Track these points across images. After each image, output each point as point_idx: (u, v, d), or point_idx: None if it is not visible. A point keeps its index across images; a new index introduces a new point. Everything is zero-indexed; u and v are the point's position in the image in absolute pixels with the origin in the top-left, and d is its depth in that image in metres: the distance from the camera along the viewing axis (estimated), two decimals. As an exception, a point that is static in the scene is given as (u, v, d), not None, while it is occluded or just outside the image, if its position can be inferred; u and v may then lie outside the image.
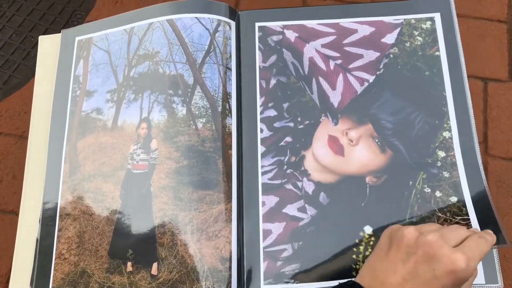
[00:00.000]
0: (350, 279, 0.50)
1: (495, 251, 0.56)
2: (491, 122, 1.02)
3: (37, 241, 0.62)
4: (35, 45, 1.20)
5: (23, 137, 1.11)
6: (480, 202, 0.56)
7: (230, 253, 0.56)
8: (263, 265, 0.56)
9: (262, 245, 0.57)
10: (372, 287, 0.46)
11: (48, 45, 0.72)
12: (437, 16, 0.64)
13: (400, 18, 0.66)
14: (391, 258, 0.47)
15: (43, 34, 1.17)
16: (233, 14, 0.67)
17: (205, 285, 0.54)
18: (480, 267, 0.56)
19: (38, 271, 0.59)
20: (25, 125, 1.10)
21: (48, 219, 0.62)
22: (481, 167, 0.57)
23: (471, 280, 0.50)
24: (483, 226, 0.55)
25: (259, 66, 0.65)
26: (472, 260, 0.47)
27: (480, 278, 0.55)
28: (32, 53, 1.21)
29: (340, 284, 0.49)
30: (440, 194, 0.57)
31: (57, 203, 0.63)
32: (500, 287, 0.56)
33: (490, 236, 0.51)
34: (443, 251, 0.46)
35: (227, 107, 0.64)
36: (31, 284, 0.60)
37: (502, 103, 1.02)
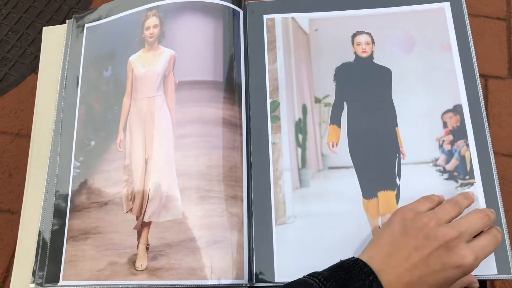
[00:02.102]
0: (352, 256, 0.50)
1: (508, 242, 0.56)
2: (492, 119, 1.02)
3: (40, 233, 0.61)
4: (31, 43, 1.18)
5: (20, 135, 1.09)
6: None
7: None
8: None
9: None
10: (382, 270, 0.47)
11: (53, 36, 0.70)
12: (446, 6, 0.64)
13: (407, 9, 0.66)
14: (407, 245, 0.48)
15: (40, 31, 1.16)
16: (240, 3, 0.67)
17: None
18: (492, 258, 0.56)
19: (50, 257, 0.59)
20: (21, 123, 1.09)
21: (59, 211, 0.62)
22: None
23: (464, 281, 0.52)
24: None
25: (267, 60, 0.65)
26: (479, 259, 0.49)
27: (492, 269, 0.55)
28: (28, 50, 1.20)
29: (341, 260, 0.49)
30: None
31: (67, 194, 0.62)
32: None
33: (500, 235, 0.54)
34: (457, 248, 0.47)
35: (237, 98, 0.64)
36: (33, 275, 0.59)
37: (502, 100, 1.03)
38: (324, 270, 0.49)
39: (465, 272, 0.48)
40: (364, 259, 0.49)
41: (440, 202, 0.55)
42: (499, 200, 0.58)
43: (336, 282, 0.46)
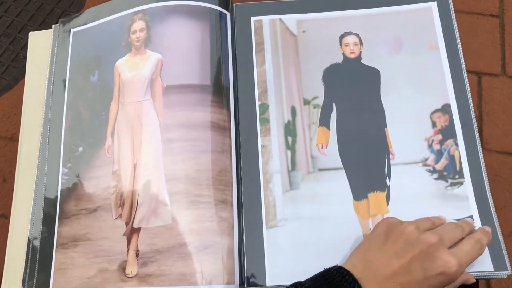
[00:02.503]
0: (336, 265, 0.50)
1: (501, 238, 0.56)
2: (486, 116, 1.02)
3: (29, 241, 0.61)
4: (24, 46, 1.18)
5: (13, 139, 1.09)
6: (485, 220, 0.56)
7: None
8: None
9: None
10: (364, 277, 0.46)
11: (40, 41, 0.70)
12: (433, 5, 0.64)
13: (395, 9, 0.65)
14: (387, 250, 0.48)
15: (32, 35, 1.15)
16: (227, 5, 0.66)
17: None
18: (487, 254, 0.55)
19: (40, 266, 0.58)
20: (15, 127, 1.09)
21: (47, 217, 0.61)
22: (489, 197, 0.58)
23: (459, 282, 0.51)
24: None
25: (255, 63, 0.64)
26: (464, 265, 0.48)
27: (488, 266, 0.55)
28: (21, 54, 1.20)
29: (325, 269, 0.49)
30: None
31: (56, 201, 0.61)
32: (510, 274, 0.55)
33: (487, 238, 0.53)
34: (439, 254, 0.47)
35: (225, 101, 0.63)
36: (22, 284, 0.59)
37: (496, 97, 1.02)
38: (307, 280, 0.48)
39: (449, 280, 0.47)
40: (347, 267, 0.48)
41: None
42: (489, 198, 0.57)
43: None
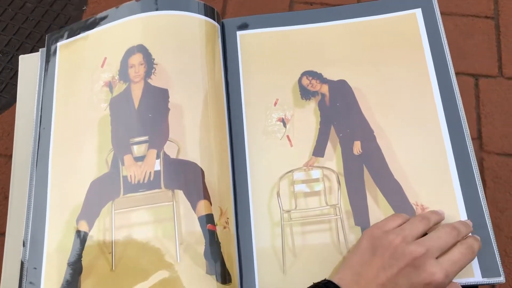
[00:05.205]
0: (324, 279, 0.49)
1: (495, 245, 0.55)
2: (485, 118, 1.01)
3: (22, 263, 0.59)
4: (22, 64, 1.19)
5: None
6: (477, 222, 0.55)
7: None
8: None
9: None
10: None
11: (29, 63, 0.70)
12: (418, 12, 0.63)
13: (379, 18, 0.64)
14: (374, 264, 0.48)
15: (30, 52, 1.16)
16: (216, 17, 0.66)
17: None
18: (477, 262, 0.54)
19: None
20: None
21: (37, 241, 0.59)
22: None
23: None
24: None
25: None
26: (451, 274, 0.48)
27: (477, 275, 0.54)
28: (19, 72, 1.21)
29: (314, 284, 0.49)
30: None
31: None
32: (502, 281, 0.55)
33: (477, 245, 0.52)
34: (425, 266, 0.47)
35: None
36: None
37: (494, 99, 1.02)
38: None
39: None
40: (335, 281, 0.48)
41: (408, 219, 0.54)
42: (481, 198, 0.55)
43: None
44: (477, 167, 0.57)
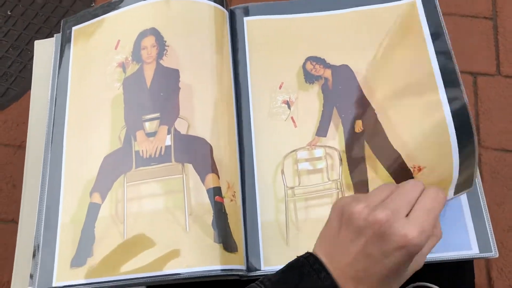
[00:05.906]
0: (307, 251, 0.46)
1: (486, 219, 0.54)
2: (483, 115, 1.04)
3: (38, 247, 0.60)
4: (31, 58, 1.22)
5: (22, 147, 1.12)
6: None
7: None
8: None
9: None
10: (329, 264, 0.44)
11: (44, 48, 0.72)
12: (418, 0, 0.65)
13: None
14: (341, 238, 0.44)
15: (40, 47, 1.19)
16: (225, 3, 0.68)
17: None
18: (473, 235, 0.54)
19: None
20: (23, 135, 1.12)
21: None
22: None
23: (432, 243, 0.46)
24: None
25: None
26: (427, 227, 0.42)
27: (474, 248, 0.54)
28: (28, 65, 1.23)
29: (297, 257, 0.45)
30: None
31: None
32: (494, 256, 0.55)
33: (443, 194, 0.46)
34: (393, 229, 0.42)
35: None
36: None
37: (492, 96, 1.04)
38: (276, 273, 0.45)
39: (415, 250, 0.42)
40: (316, 252, 0.45)
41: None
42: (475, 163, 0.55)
43: (285, 285, 0.43)
44: (475, 131, 0.55)
